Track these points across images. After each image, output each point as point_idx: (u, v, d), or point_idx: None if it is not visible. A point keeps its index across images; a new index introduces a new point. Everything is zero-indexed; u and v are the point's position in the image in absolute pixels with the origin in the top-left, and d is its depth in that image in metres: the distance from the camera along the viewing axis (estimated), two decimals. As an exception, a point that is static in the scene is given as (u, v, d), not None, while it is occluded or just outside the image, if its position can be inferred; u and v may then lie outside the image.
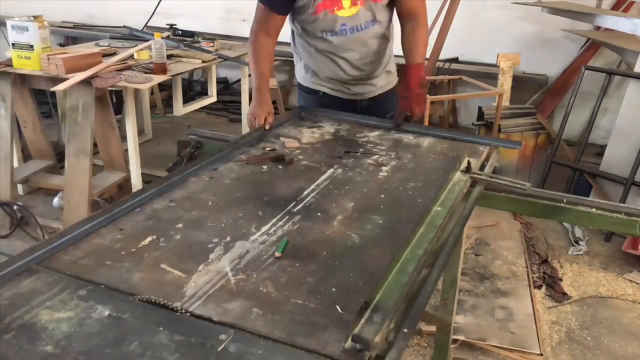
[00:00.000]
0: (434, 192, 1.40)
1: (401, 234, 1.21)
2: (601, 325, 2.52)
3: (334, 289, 1.01)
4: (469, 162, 1.57)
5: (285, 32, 2.09)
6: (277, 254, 1.11)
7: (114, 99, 4.18)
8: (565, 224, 3.43)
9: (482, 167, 1.66)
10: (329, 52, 2.05)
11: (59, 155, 3.54)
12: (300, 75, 2.24)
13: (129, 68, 3.19)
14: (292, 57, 2.27)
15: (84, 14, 6.04)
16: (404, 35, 2.04)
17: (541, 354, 2.30)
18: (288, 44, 2.21)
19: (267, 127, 1.85)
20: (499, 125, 3.73)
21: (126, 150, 3.29)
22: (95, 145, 3.13)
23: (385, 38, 2.10)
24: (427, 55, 4.34)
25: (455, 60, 4.98)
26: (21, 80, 3.13)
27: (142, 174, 3.28)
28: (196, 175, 1.49)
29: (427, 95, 3.58)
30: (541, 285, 2.83)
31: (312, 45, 2.07)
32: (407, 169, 1.61)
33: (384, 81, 2.22)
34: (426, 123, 3.52)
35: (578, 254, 3.14)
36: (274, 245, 1.15)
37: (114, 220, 1.22)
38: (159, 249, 1.12)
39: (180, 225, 1.22)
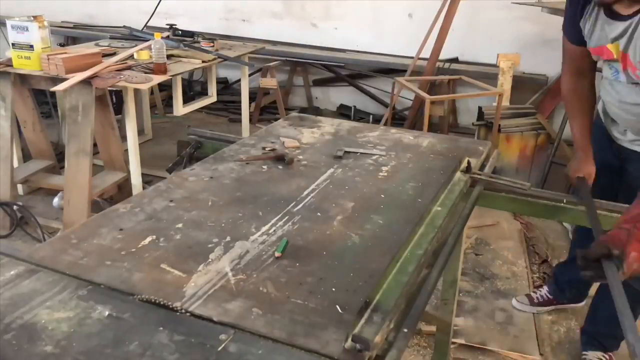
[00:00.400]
0: (434, 192, 1.40)
1: (401, 234, 1.21)
2: (601, 325, 2.52)
3: (334, 289, 1.01)
4: (469, 162, 1.57)
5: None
6: (277, 254, 1.11)
7: (114, 99, 4.18)
8: (565, 224, 3.43)
9: (482, 167, 1.66)
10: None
11: (59, 155, 3.54)
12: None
13: (129, 68, 3.19)
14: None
15: (84, 14, 6.05)
16: None
17: (541, 354, 2.30)
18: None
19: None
20: (499, 125, 3.73)
21: (126, 150, 3.28)
22: (95, 145, 3.12)
23: None
24: (428, 55, 4.37)
25: (455, 60, 4.99)
26: (21, 80, 3.13)
27: (142, 174, 3.28)
28: (196, 175, 1.49)
29: (427, 95, 3.58)
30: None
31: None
32: (407, 169, 1.61)
33: None
34: (426, 123, 3.51)
35: (578, 254, 3.13)
36: (274, 245, 1.15)
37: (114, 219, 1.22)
38: (159, 249, 1.12)
39: (180, 225, 1.22)
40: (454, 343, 2.25)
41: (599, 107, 2.00)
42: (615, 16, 1.61)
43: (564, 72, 1.84)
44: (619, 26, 1.60)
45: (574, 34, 1.80)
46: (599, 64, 1.84)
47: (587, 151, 1.82)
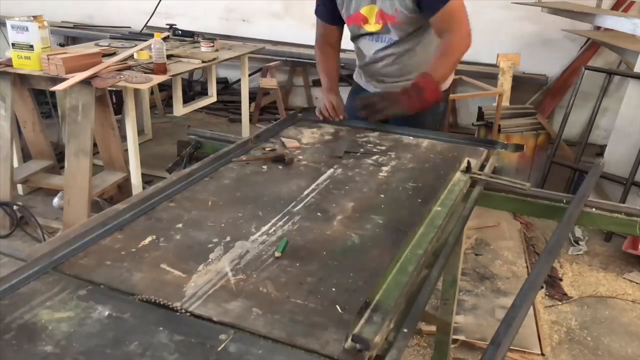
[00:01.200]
0: (434, 192, 1.40)
1: (401, 234, 1.21)
2: (601, 325, 2.52)
3: (334, 289, 1.01)
4: (469, 162, 1.57)
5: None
6: (277, 254, 1.11)
7: (114, 99, 4.18)
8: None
9: (482, 167, 1.66)
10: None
11: (59, 155, 3.54)
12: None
13: (129, 68, 3.19)
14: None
15: (84, 14, 6.05)
16: None
17: (542, 354, 2.30)
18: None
19: (340, 117, 2.02)
20: (499, 125, 3.73)
21: (126, 150, 3.28)
22: (95, 145, 3.12)
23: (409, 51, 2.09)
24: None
25: (455, 60, 4.98)
26: (21, 80, 3.13)
27: (142, 174, 3.28)
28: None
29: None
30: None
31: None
32: (407, 169, 1.61)
33: None
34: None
35: (578, 254, 3.14)
36: (273, 245, 1.15)
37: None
38: (159, 249, 1.12)
39: (180, 225, 1.22)
40: (454, 340, 2.25)
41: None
42: None
43: (317, 44, 2.24)
44: None
45: (326, 15, 2.13)
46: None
47: (335, 89, 2.17)
